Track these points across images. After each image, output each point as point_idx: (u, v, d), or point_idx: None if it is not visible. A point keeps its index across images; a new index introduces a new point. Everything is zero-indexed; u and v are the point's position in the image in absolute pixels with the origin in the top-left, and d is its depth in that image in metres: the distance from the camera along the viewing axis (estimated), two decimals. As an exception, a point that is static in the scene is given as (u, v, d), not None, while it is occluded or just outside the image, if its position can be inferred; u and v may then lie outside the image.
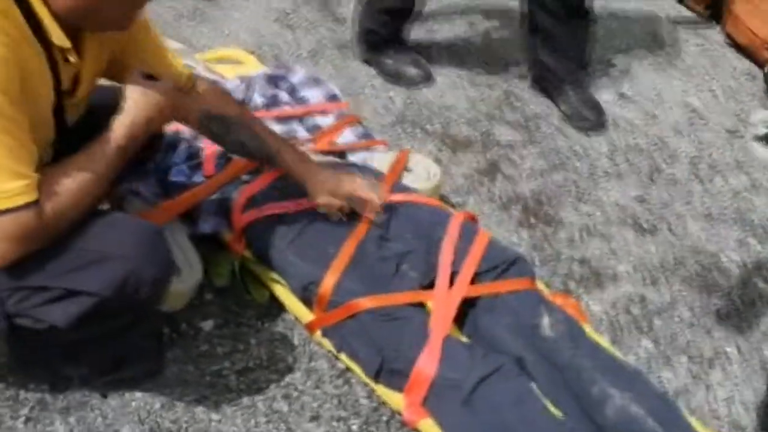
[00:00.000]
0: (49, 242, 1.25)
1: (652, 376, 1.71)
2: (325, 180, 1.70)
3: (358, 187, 1.72)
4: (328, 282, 1.62)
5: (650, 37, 2.94)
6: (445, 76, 2.64)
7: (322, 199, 1.71)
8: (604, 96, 2.60)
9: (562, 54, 2.50)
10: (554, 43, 2.48)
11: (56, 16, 1.24)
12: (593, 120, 2.45)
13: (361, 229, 1.72)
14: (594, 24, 2.56)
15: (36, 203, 1.20)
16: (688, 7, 3.19)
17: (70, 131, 1.40)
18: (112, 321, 1.39)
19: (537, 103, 2.56)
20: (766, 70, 1.77)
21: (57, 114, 1.34)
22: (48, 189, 1.23)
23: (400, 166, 1.95)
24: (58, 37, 1.24)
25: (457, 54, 2.79)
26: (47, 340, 1.42)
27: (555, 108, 2.54)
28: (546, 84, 2.58)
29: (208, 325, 1.77)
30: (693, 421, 1.51)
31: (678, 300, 1.93)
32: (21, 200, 1.18)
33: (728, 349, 1.83)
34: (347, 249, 1.67)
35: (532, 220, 2.12)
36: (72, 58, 1.30)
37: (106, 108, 1.37)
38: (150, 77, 1.42)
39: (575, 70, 2.56)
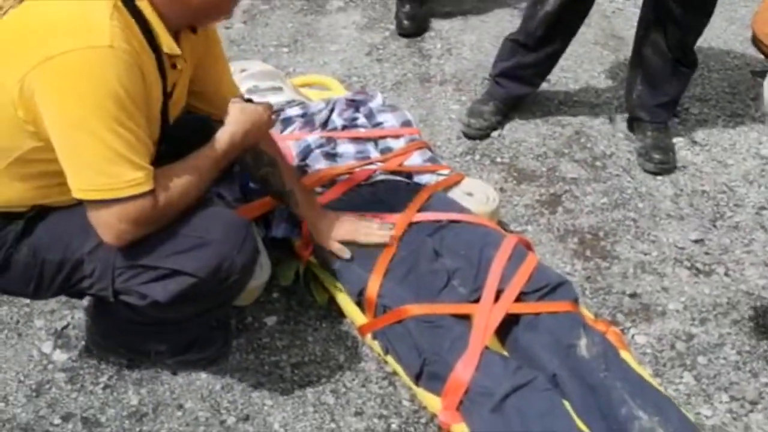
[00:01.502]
0: (160, 227, 1.43)
1: (691, 411, 1.72)
2: (327, 225, 1.83)
3: (356, 233, 1.84)
4: (373, 285, 1.74)
5: (730, 88, 2.92)
6: (520, 112, 2.73)
7: (324, 243, 1.84)
8: (676, 141, 2.62)
9: (659, 93, 2.53)
10: (654, 81, 2.51)
11: (164, 20, 1.39)
12: (660, 162, 2.46)
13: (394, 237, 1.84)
14: (693, 74, 2.59)
15: (153, 192, 1.38)
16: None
17: (169, 130, 1.57)
18: (202, 302, 1.54)
19: (607, 145, 2.61)
20: None
21: (162, 113, 1.52)
22: (162, 182, 1.40)
23: (441, 186, 2.06)
24: (168, 45, 1.41)
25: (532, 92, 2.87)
26: (133, 319, 1.58)
27: (624, 149, 2.59)
28: (632, 117, 2.63)
29: (271, 320, 1.92)
30: (720, 453, 1.52)
31: (726, 342, 1.92)
32: (142, 189, 1.36)
33: (774, 395, 1.81)
34: (385, 254, 1.79)
35: (588, 253, 2.17)
36: (180, 65, 1.48)
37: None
38: (249, 101, 1.65)
39: (663, 113, 2.57)
